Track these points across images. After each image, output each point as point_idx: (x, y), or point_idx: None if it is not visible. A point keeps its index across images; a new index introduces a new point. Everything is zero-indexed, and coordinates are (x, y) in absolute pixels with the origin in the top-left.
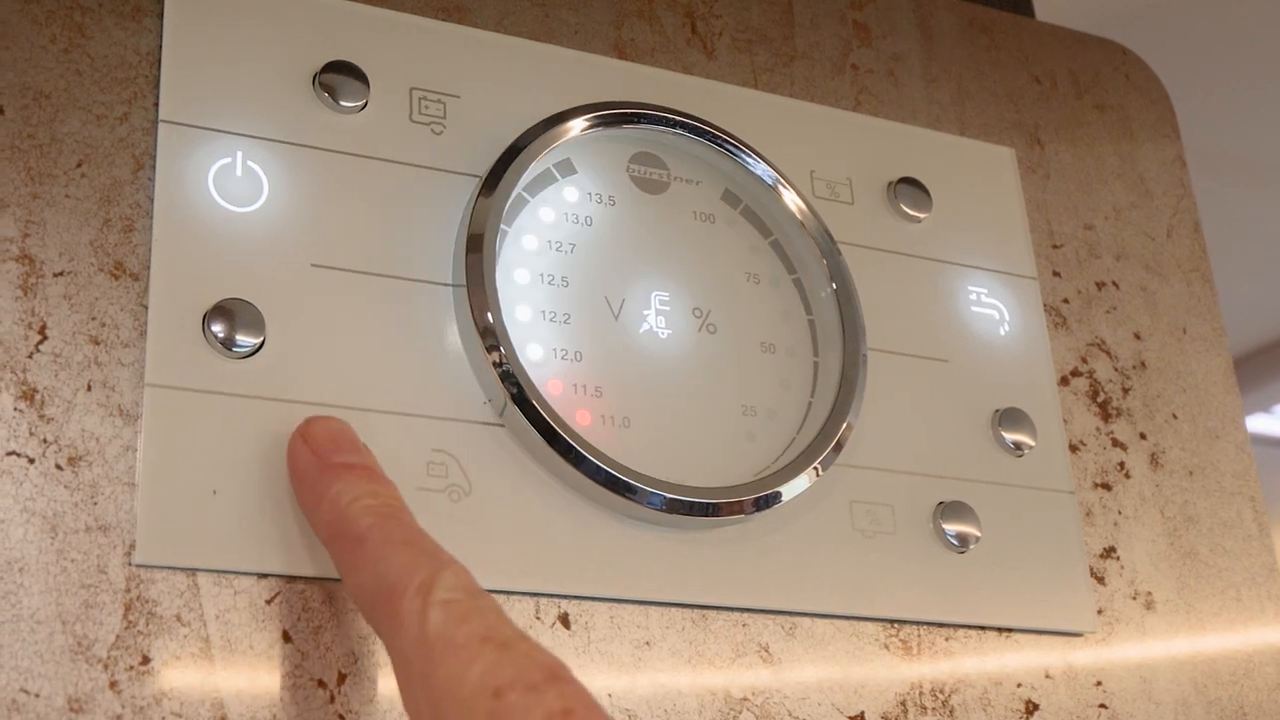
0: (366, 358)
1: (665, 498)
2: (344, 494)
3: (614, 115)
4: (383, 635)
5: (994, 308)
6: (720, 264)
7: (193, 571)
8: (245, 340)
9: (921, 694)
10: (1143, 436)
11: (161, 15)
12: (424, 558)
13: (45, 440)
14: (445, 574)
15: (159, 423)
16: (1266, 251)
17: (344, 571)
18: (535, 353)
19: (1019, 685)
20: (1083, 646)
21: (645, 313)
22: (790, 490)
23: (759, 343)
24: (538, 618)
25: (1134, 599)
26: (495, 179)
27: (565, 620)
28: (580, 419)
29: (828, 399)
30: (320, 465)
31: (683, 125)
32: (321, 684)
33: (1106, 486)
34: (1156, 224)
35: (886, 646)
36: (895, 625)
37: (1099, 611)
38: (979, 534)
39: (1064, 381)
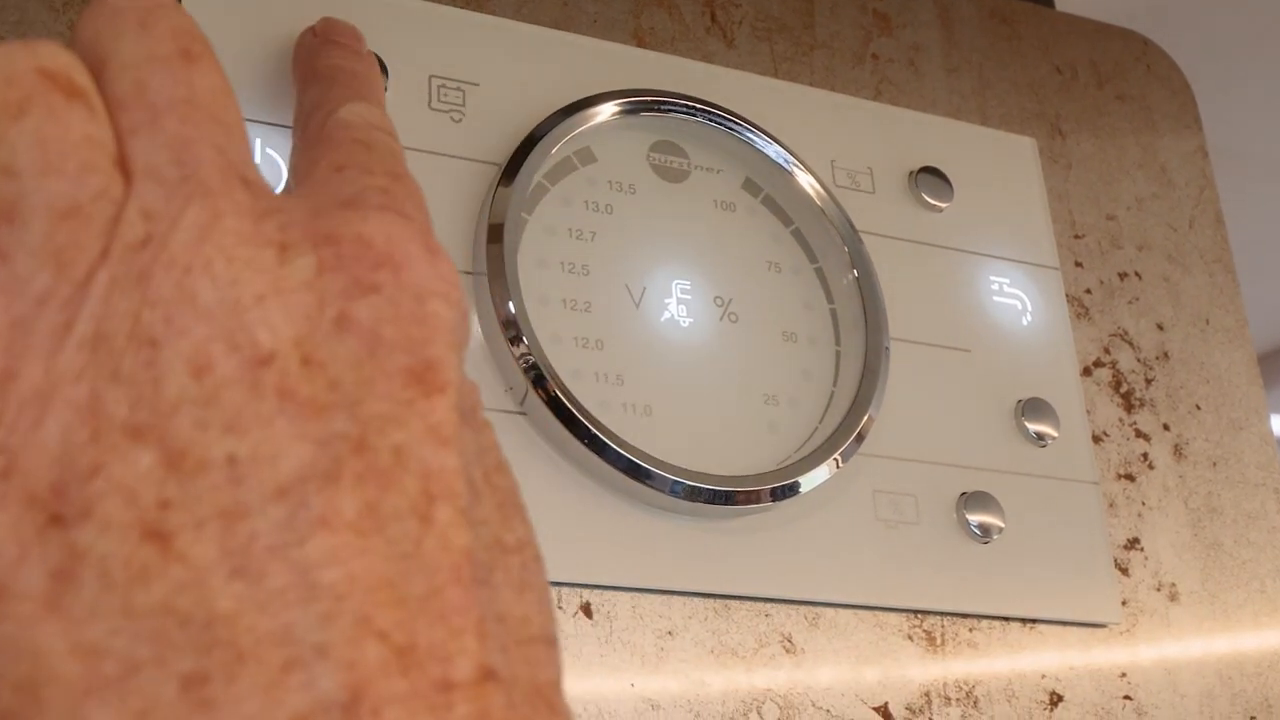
0: None
1: (686, 486)
2: (323, 56)
3: (634, 103)
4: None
5: (1016, 298)
6: (741, 253)
7: None
8: None
9: (945, 685)
10: (1166, 427)
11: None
12: (349, 92)
13: None
14: (357, 103)
15: None
16: None
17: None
18: (556, 341)
19: (1043, 676)
20: (1107, 638)
21: (666, 301)
22: (811, 480)
23: (780, 332)
24: (560, 607)
25: (1158, 590)
26: (515, 167)
27: (588, 610)
28: (601, 407)
29: (850, 389)
30: (322, 42)
31: (703, 113)
32: None
33: (1130, 477)
34: (1179, 215)
35: (910, 637)
36: (919, 616)
37: (1123, 603)
38: (1002, 525)
39: (1086, 372)
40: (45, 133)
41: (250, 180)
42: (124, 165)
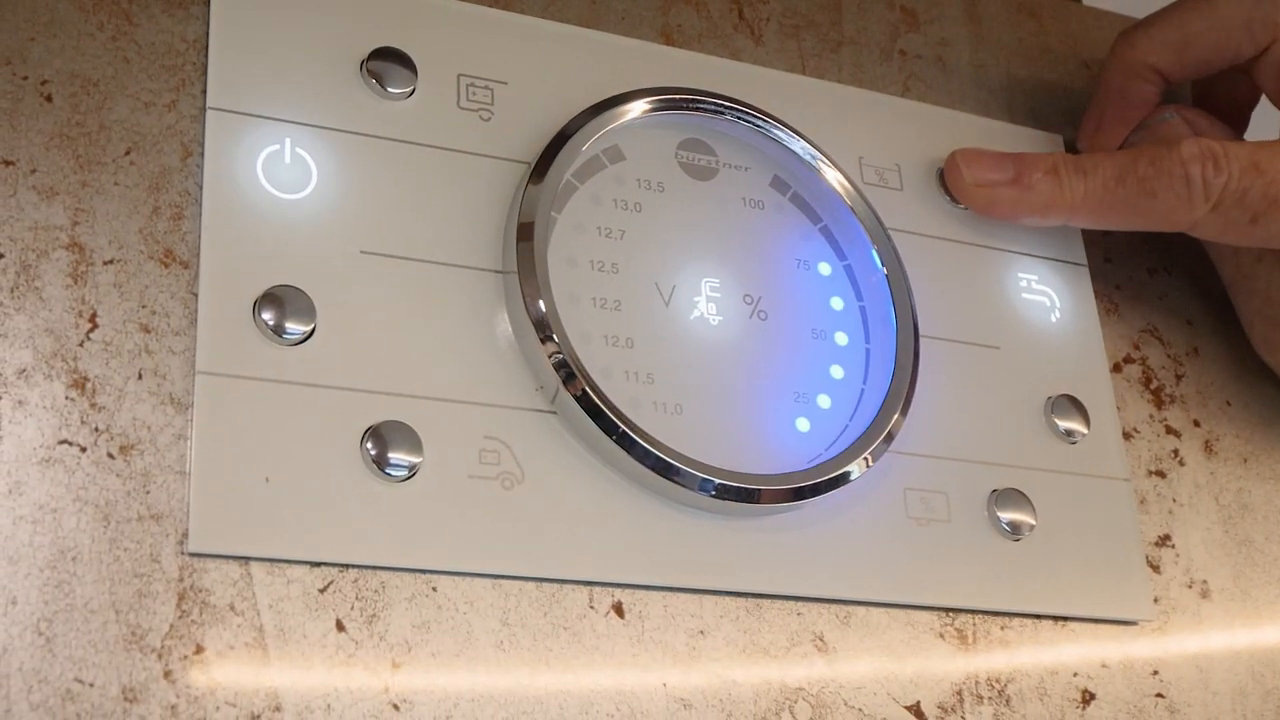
0: (417, 344)
1: (717, 484)
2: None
3: (662, 101)
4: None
5: (1045, 294)
6: (770, 250)
7: (246, 560)
8: (295, 327)
9: (977, 683)
10: (1196, 423)
11: (208, 2)
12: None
13: (97, 429)
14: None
15: (210, 411)
16: None
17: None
18: (586, 340)
19: (1075, 674)
20: (1139, 635)
21: (696, 299)
22: (842, 478)
23: (810, 329)
24: (591, 607)
25: (1189, 587)
26: (544, 166)
27: (619, 609)
28: (631, 406)
29: (880, 386)
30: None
31: (731, 111)
32: (375, 673)
33: (1161, 474)
34: None
35: (942, 635)
36: (950, 614)
37: (1155, 600)
38: (1033, 522)
39: (1116, 368)
40: None
41: None
42: None
